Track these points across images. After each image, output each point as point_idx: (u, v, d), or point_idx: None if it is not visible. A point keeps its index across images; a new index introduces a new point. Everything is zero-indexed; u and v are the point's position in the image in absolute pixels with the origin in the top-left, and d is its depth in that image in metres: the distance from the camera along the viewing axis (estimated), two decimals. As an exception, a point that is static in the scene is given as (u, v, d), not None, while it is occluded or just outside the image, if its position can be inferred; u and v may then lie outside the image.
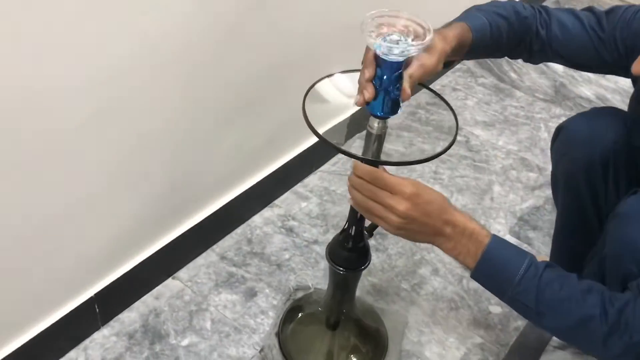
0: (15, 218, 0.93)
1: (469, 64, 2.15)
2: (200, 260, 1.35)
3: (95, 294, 1.13)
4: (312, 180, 1.58)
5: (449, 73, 2.08)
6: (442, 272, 1.38)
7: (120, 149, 1.03)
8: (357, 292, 1.31)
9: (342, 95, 0.92)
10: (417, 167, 1.66)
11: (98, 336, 1.18)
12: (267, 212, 1.48)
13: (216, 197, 1.33)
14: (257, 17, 1.14)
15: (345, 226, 1.00)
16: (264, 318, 1.25)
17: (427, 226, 0.84)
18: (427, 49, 0.82)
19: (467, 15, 0.97)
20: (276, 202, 1.51)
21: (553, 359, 1.23)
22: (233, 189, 1.37)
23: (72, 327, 1.12)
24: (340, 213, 1.49)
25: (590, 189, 1.08)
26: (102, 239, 1.11)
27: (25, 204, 0.93)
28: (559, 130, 1.13)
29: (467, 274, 1.37)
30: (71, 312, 1.10)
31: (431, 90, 0.94)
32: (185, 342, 1.19)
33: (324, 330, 1.16)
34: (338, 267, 1.03)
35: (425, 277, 1.37)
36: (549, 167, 1.21)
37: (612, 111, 1.08)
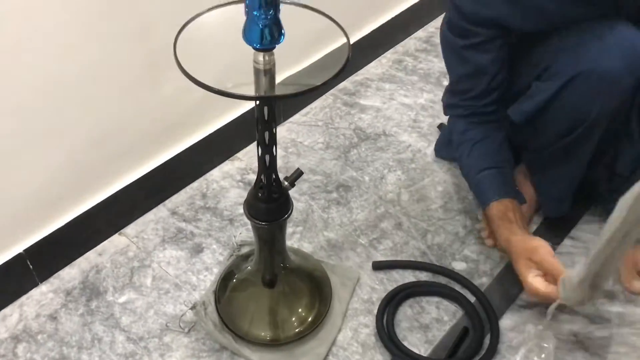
0: None
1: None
2: (150, 215, 1.30)
3: (24, 250, 1.10)
4: (280, 131, 1.50)
5: None
6: (405, 227, 1.28)
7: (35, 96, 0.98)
8: (310, 248, 1.24)
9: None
10: (395, 116, 1.54)
11: (35, 293, 1.16)
12: (226, 166, 1.41)
13: (161, 149, 1.27)
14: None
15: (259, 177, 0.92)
16: (207, 274, 1.19)
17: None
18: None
19: (483, 186, 1.20)
20: (238, 154, 1.44)
21: (517, 318, 1.13)
22: (182, 140, 1.30)
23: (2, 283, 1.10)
24: (303, 165, 1.41)
25: None
26: (26, 195, 1.07)
27: None
28: None
29: (431, 229, 1.27)
30: (-2, 268, 1.08)
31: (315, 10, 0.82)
32: (122, 299, 1.15)
33: (260, 289, 1.09)
34: (257, 221, 0.95)
35: (386, 232, 1.27)
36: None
37: None
